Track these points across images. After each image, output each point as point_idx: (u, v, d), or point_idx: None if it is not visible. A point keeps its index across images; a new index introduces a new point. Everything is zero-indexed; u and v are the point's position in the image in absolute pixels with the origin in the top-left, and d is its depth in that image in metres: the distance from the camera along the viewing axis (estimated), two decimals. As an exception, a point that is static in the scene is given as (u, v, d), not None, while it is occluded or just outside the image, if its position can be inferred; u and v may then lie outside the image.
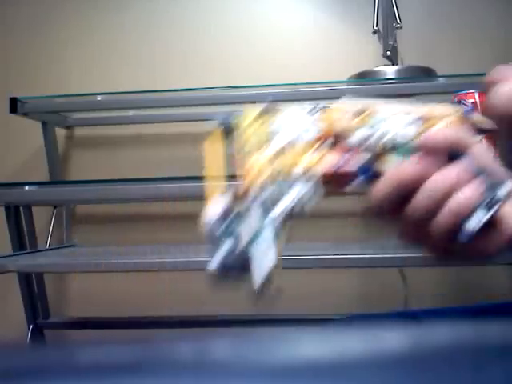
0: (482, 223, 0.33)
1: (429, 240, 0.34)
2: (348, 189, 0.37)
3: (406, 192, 0.35)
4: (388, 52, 1.15)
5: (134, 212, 1.35)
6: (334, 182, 0.37)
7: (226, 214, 0.36)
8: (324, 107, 0.39)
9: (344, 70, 1.19)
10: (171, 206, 1.34)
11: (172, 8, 1.37)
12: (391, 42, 1.15)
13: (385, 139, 0.37)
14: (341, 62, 1.30)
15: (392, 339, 0.14)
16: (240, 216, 0.36)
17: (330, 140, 0.37)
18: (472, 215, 0.34)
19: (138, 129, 1.36)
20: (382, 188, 0.35)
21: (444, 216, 0.34)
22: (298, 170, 0.37)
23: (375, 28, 1.15)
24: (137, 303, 1.32)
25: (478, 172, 0.34)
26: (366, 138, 0.37)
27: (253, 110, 0.41)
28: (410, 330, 0.14)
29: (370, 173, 0.37)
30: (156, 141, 1.36)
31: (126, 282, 1.33)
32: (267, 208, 0.36)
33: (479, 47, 1.28)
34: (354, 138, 0.37)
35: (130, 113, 1.32)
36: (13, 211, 1.11)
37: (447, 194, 0.34)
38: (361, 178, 0.37)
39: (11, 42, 1.41)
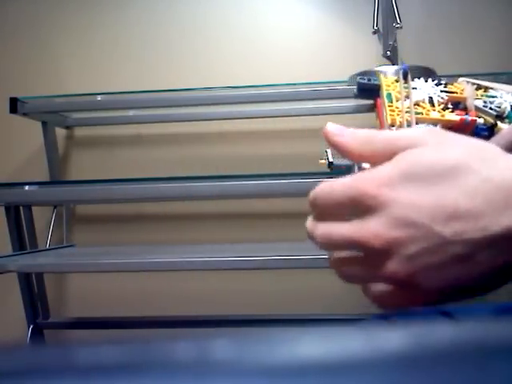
0: None
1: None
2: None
3: None
4: (388, 52, 1.15)
5: (133, 212, 1.35)
6: (464, 130, 0.47)
7: None
8: (447, 82, 0.52)
9: (344, 70, 1.19)
10: (171, 205, 1.34)
11: (172, 8, 1.37)
12: (391, 42, 1.15)
13: (501, 107, 0.48)
14: (341, 62, 1.30)
15: (392, 339, 0.14)
16: None
17: (452, 104, 0.50)
18: None
19: (138, 129, 1.36)
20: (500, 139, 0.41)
21: None
22: (432, 115, 0.48)
23: (375, 28, 1.15)
24: (136, 303, 1.32)
25: None
26: (484, 106, 0.48)
27: (391, 77, 0.55)
28: (410, 329, 0.14)
29: (485, 132, 0.47)
30: (156, 141, 1.36)
31: (126, 282, 1.33)
32: None
33: (479, 47, 1.28)
34: (475, 103, 0.48)
35: (130, 113, 1.32)
36: (13, 211, 1.11)
37: None
38: (483, 132, 0.46)
39: (11, 42, 1.41)
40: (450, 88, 0.53)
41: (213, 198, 1.16)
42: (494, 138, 0.41)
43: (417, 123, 0.48)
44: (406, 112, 0.49)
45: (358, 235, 0.30)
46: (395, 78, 0.54)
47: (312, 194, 0.33)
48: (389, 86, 0.53)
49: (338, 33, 1.32)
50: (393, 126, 0.48)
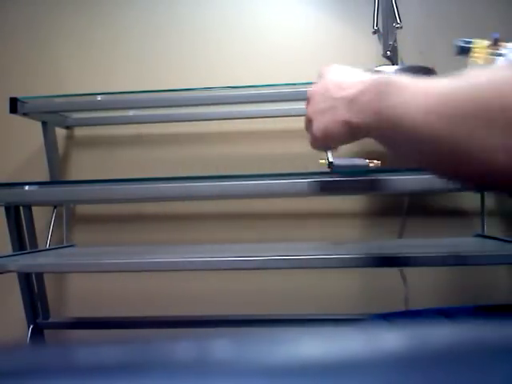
0: None
1: None
2: None
3: None
4: (388, 52, 1.15)
5: (133, 212, 1.35)
6: None
7: None
8: None
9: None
10: (171, 205, 1.34)
11: (172, 8, 1.37)
12: (391, 42, 1.14)
13: None
14: (341, 62, 1.29)
15: (392, 339, 0.14)
16: None
17: None
18: None
19: (138, 129, 1.36)
20: None
21: None
22: None
23: (375, 28, 1.15)
24: (136, 303, 1.33)
25: None
26: None
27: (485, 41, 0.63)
28: (410, 329, 0.14)
29: None
30: (156, 141, 1.36)
31: (126, 282, 1.33)
32: None
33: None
34: None
35: (130, 113, 1.32)
36: (13, 211, 1.11)
37: None
38: None
39: (11, 42, 1.41)
40: None
41: (213, 198, 1.16)
42: None
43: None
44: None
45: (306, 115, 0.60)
46: (488, 43, 0.62)
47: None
48: (478, 50, 0.61)
49: (338, 33, 1.32)
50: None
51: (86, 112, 1.34)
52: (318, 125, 0.55)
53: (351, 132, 0.51)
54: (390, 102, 0.43)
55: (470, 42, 0.61)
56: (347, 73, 0.56)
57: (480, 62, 0.58)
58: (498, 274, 1.26)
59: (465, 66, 0.62)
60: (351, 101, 0.50)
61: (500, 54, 0.59)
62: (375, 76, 0.50)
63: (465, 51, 0.63)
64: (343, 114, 0.51)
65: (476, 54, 0.59)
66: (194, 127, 1.34)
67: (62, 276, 1.37)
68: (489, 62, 0.56)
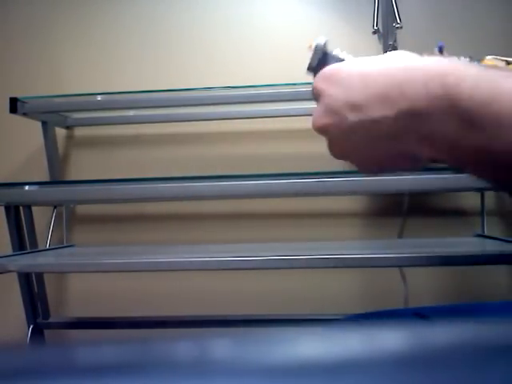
0: None
1: None
2: None
3: None
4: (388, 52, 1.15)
5: (133, 212, 1.35)
6: None
7: None
8: (478, 59, 0.58)
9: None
10: (171, 205, 1.34)
11: (172, 8, 1.37)
12: (391, 42, 1.14)
13: None
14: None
15: (392, 339, 0.14)
16: None
17: None
18: None
19: (138, 129, 1.36)
20: None
21: None
22: None
23: (375, 28, 1.15)
24: (137, 303, 1.32)
25: None
26: None
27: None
28: (410, 329, 0.14)
29: None
30: (156, 141, 1.36)
31: (126, 281, 1.33)
32: None
33: (480, 47, 1.28)
34: None
35: (130, 113, 1.32)
36: (13, 211, 1.11)
37: None
38: None
39: (11, 42, 1.41)
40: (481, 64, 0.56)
41: (213, 198, 1.16)
42: None
43: None
44: None
45: (312, 118, 0.43)
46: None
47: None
48: None
49: (338, 33, 1.32)
50: None
51: (85, 112, 1.34)
52: (360, 161, 0.42)
53: (417, 164, 0.39)
54: (481, 133, 0.31)
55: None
56: (378, 66, 0.38)
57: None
58: (497, 273, 1.26)
59: None
60: (411, 128, 0.35)
61: None
62: (432, 69, 0.34)
63: None
64: (402, 147, 0.37)
65: None
66: (194, 127, 1.34)
67: (62, 276, 1.37)
68: None
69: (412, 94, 0.34)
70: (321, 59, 0.49)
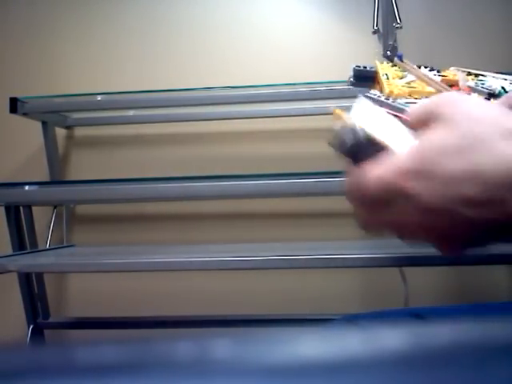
0: None
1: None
2: None
3: None
4: (388, 52, 1.15)
5: (133, 212, 1.35)
6: None
7: None
8: (439, 69, 0.54)
9: (344, 70, 1.18)
10: (171, 205, 1.34)
11: (172, 8, 1.37)
12: (391, 42, 1.14)
13: (492, 87, 0.49)
14: (340, 61, 1.30)
15: (392, 339, 0.14)
16: None
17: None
18: None
19: (138, 129, 1.36)
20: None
21: None
22: (428, 89, 0.47)
23: (375, 28, 1.15)
24: (137, 303, 1.32)
25: None
26: (475, 86, 0.50)
27: (384, 63, 0.55)
28: (410, 329, 0.14)
29: None
30: (156, 141, 1.36)
31: (126, 281, 1.33)
32: None
33: (480, 47, 1.28)
34: (467, 83, 0.50)
35: (130, 113, 1.32)
36: (13, 211, 1.11)
37: None
38: None
39: (11, 42, 1.41)
40: (443, 73, 0.55)
41: (213, 198, 1.16)
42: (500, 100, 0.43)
43: (411, 95, 0.48)
44: (403, 86, 0.50)
45: (398, 223, 0.36)
46: (390, 64, 0.55)
47: (346, 190, 0.38)
48: (384, 69, 0.54)
49: (338, 33, 1.32)
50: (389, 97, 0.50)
51: (86, 112, 1.34)
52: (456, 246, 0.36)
53: None
54: None
55: (371, 67, 0.54)
56: (481, 159, 0.31)
57: (393, 75, 0.51)
58: (497, 273, 1.26)
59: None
60: None
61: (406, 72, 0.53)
62: None
63: (363, 78, 0.54)
64: None
65: (388, 72, 0.52)
66: (194, 127, 1.34)
67: (62, 276, 1.37)
68: (398, 75, 0.51)
69: None
70: (360, 141, 0.36)
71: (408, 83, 0.50)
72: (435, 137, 0.33)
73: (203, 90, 1.19)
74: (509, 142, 0.31)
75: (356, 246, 1.10)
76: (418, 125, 0.36)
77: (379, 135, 0.36)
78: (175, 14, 1.37)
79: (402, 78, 0.52)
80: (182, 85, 1.22)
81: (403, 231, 0.36)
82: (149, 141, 1.36)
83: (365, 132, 0.36)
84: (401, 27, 1.11)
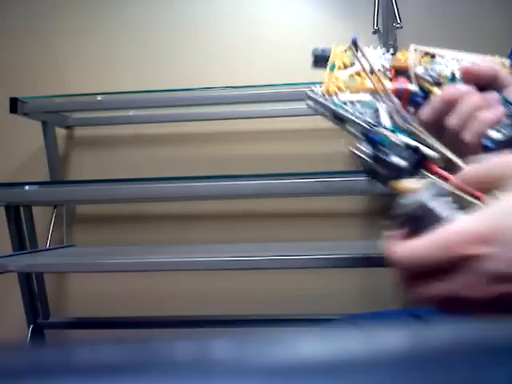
0: (505, 137, 0.42)
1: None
2: (409, 105, 0.48)
3: (446, 110, 0.44)
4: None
5: (133, 212, 1.35)
6: (401, 98, 0.48)
7: None
8: (397, 51, 0.55)
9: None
10: (171, 205, 1.34)
11: (172, 8, 1.37)
12: (391, 42, 1.15)
13: (441, 74, 0.49)
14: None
15: (392, 339, 0.14)
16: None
17: (396, 72, 0.50)
18: (497, 128, 0.42)
19: (138, 129, 1.36)
20: (429, 106, 0.45)
21: (473, 125, 0.43)
22: (367, 84, 0.48)
23: (375, 28, 1.15)
24: (137, 303, 1.32)
25: (506, 104, 0.44)
26: (424, 73, 0.50)
27: (340, 46, 0.56)
28: (409, 329, 0.14)
29: (420, 99, 0.48)
30: (156, 141, 1.36)
31: (126, 282, 1.33)
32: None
33: (480, 47, 1.28)
34: (416, 70, 0.50)
35: (130, 113, 1.32)
36: (13, 211, 1.11)
37: (475, 112, 0.43)
38: (418, 98, 0.48)
39: (12, 42, 1.41)
40: (395, 57, 0.55)
41: (213, 198, 1.16)
42: (422, 110, 0.46)
43: (350, 91, 0.48)
44: (342, 80, 0.49)
45: (463, 292, 0.32)
46: (344, 49, 0.54)
47: (398, 259, 0.35)
48: (336, 55, 0.54)
49: (338, 33, 1.32)
50: (326, 94, 0.48)
51: (86, 112, 1.34)
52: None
53: None
54: None
55: (326, 51, 0.56)
56: None
57: (339, 65, 0.52)
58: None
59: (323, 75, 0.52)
60: None
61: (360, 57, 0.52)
62: None
63: (321, 61, 0.56)
64: None
65: (333, 59, 0.53)
66: (194, 127, 1.34)
67: (62, 276, 1.37)
68: (349, 67, 0.51)
69: None
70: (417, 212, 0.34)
71: (351, 75, 0.50)
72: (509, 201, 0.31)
73: (203, 90, 1.19)
74: None
75: (356, 246, 1.10)
76: (478, 188, 0.34)
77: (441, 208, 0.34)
78: (175, 14, 1.37)
79: (347, 67, 0.51)
80: (181, 85, 1.22)
81: (458, 302, 0.33)
82: (149, 141, 1.36)
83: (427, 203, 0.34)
84: (401, 27, 1.11)
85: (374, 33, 1.16)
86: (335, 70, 0.51)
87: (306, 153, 1.29)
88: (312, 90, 0.48)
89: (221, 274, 1.28)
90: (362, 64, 0.50)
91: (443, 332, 0.14)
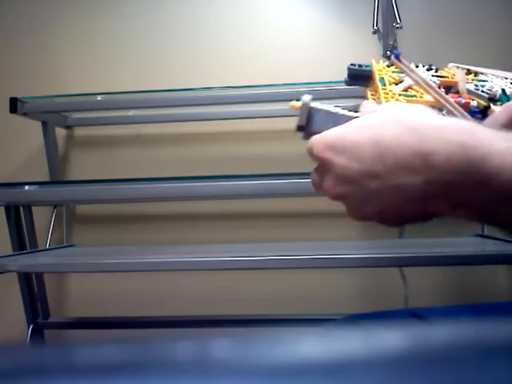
0: None
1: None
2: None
3: None
4: (388, 52, 1.15)
5: (133, 212, 1.35)
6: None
7: None
8: (438, 68, 0.54)
9: (344, 70, 1.19)
10: (171, 205, 1.34)
11: (172, 8, 1.37)
12: (391, 42, 1.14)
13: (492, 90, 0.50)
14: (340, 61, 1.29)
15: (392, 339, 0.14)
16: None
17: (444, 88, 0.51)
18: None
19: (138, 129, 1.36)
20: (494, 115, 0.44)
21: None
22: (426, 97, 0.49)
23: (375, 28, 1.15)
24: (137, 303, 1.32)
25: None
26: (475, 89, 0.50)
27: (382, 63, 0.56)
28: (410, 329, 0.14)
29: (479, 114, 0.48)
30: (156, 141, 1.36)
31: (126, 281, 1.33)
32: None
33: (480, 47, 1.28)
34: (467, 86, 0.50)
35: (130, 113, 1.32)
36: (13, 211, 1.11)
37: None
38: (476, 112, 0.48)
39: (12, 42, 1.41)
40: (441, 73, 0.54)
41: (213, 198, 1.16)
42: (486, 121, 0.46)
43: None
44: (400, 95, 0.49)
45: (323, 188, 0.42)
46: (386, 63, 0.55)
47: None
48: (381, 70, 0.53)
49: (338, 33, 1.32)
50: None
51: (86, 112, 1.34)
52: (383, 220, 0.40)
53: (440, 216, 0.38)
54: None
55: (367, 66, 0.54)
56: (387, 132, 0.37)
57: (389, 79, 0.52)
58: (497, 273, 1.26)
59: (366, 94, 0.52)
60: (441, 194, 0.35)
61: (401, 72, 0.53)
62: (450, 140, 0.33)
63: (358, 77, 0.55)
64: (431, 209, 0.36)
65: (380, 73, 0.52)
66: (194, 127, 1.34)
67: (62, 276, 1.37)
68: (396, 81, 0.52)
69: (437, 165, 0.33)
70: (310, 117, 0.46)
71: (405, 90, 0.50)
72: (361, 119, 0.39)
73: (203, 90, 1.19)
74: (407, 132, 0.35)
75: (356, 246, 1.10)
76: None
77: (331, 108, 0.45)
78: (175, 14, 1.37)
79: (398, 83, 0.51)
80: (182, 85, 1.22)
81: (334, 197, 0.41)
82: (149, 141, 1.36)
83: (319, 108, 0.46)
84: (401, 27, 1.11)
85: (374, 33, 1.16)
86: (387, 84, 0.51)
87: (305, 153, 1.28)
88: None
89: (221, 273, 1.28)
90: (418, 79, 0.51)
91: (443, 332, 0.14)
